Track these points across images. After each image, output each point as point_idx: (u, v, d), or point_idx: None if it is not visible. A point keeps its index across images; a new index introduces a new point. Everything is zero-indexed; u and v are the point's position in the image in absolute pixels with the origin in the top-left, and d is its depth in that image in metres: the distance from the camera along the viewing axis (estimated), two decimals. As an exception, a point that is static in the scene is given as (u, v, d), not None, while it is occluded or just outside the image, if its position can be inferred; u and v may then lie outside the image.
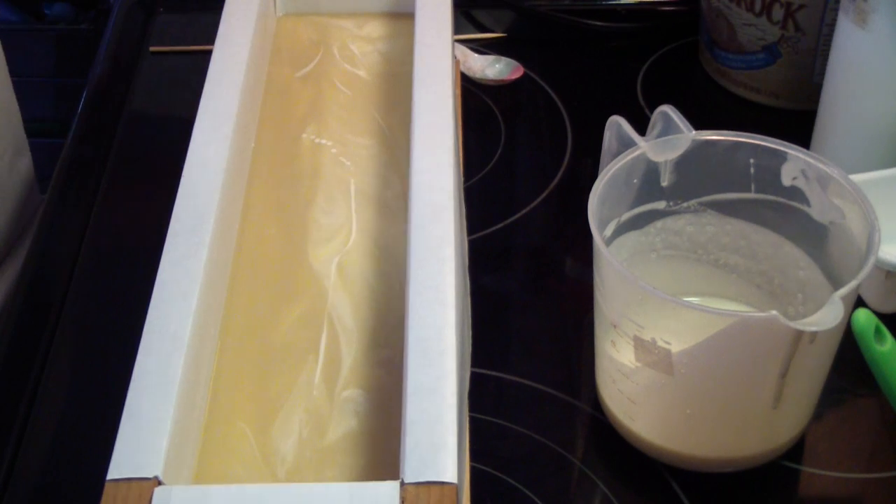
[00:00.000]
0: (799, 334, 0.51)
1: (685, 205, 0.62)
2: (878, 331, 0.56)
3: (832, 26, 0.75)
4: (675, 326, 0.54)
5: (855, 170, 0.63)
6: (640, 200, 0.61)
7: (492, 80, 0.88)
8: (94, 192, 0.79)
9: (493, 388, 0.65)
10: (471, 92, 0.87)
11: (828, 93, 0.74)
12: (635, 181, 0.60)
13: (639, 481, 0.61)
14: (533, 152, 0.84)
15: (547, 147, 0.84)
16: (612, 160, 0.58)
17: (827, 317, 0.50)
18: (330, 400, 0.52)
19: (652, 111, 0.60)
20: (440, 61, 0.63)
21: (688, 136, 0.59)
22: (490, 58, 0.89)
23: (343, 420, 0.51)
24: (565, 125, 0.85)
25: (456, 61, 0.79)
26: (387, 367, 0.53)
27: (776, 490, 0.61)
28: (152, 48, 0.93)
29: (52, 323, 0.69)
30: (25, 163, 0.90)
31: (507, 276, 0.75)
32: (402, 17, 0.73)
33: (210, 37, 0.66)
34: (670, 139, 0.59)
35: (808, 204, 0.59)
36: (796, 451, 0.61)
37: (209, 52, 0.64)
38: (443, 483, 0.43)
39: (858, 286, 0.52)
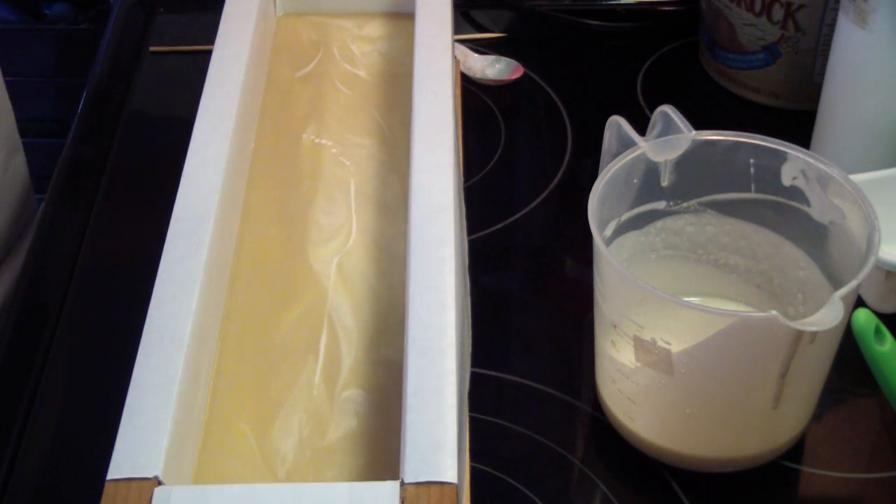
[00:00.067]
0: (799, 334, 0.51)
1: (685, 205, 0.62)
2: (878, 331, 0.56)
3: (832, 26, 0.75)
4: (675, 326, 0.54)
5: (855, 170, 0.63)
6: (640, 200, 0.61)
7: (492, 80, 0.88)
8: (94, 192, 0.79)
9: (493, 388, 0.65)
10: (471, 92, 0.87)
11: (828, 93, 0.74)
12: (635, 181, 0.60)
13: (639, 481, 0.61)
14: (533, 152, 0.84)
15: (547, 147, 0.84)
16: (612, 160, 0.58)
17: (827, 317, 0.50)
18: (330, 400, 0.52)
19: (652, 111, 0.60)
20: (440, 61, 0.63)
21: (688, 136, 0.59)
22: (490, 58, 0.89)
23: (343, 420, 0.51)
24: (565, 125, 0.85)
25: (456, 61, 0.79)
26: (387, 367, 0.53)
27: (776, 490, 0.61)
28: (152, 48, 0.93)
29: (52, 323, 0.69)
30: (20, 162, 0.90)
31: (507, 276, 0.75)
32: (402, 17, 0.73)
33: (210, 37, 0.66)
34: (670, 139, 0.59)
35: (808, 204, 0.59)
36: (796, 451, 0.61)
37: (209, 52, 0.64)
38: (443, 483, 0.43)
39: (858, 286, 0.52)
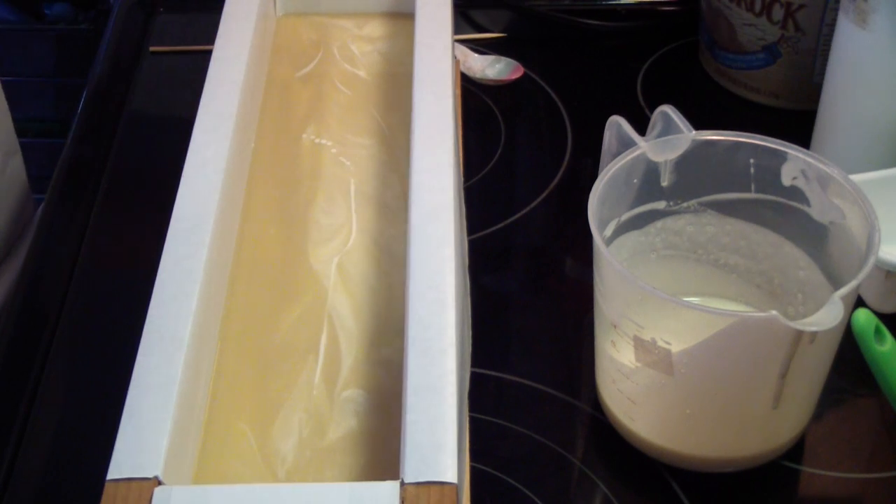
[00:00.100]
0: (799, 334, 0.51)
1: (685, 205, 0.62)
2: (878, 331, 0.56)
3: (832, 26, 0.75)
4: (675, 326, 0.54)
5: (855, 170, 0.63)
6: (640, 200, 0.61)
7: (492, 80, 0.88)
8: (94, 193, 0.79)
9: (493, 388, 0.65)
10: (471, 92, 0.87)
11: (828, 93, 0.74)
12: (635, 181, 0.60)
13: (639, 481, 0.61)
14: (533, 152, 0.84)
15: (547, 147, 0.84)
16: (612, 160, 0.58)
17: (827, 317, 0.50)
18: (330, 400, 0.52)
19: (652, 111, 0.60)
20: (440, 61, 0.63)
21: (688, 136, 0.59)
22: (490, 58, 0.89)
23: (343, 420, 0.51)
24: (565, 125, 0.85)
25: (456, 61, 0.79)
26: (387, 367, 0.53)
27: (776, 490, 0.61)
28: (152, 48, 0.93)
29: (52, 323, 0.69)
30: (17, 164, 0.90)
31: (507, 276, 0.75)
32: (402, 17, 0.73)
33: (210, 37, 0.66)
34: (670, 139, 0.59)
35: (808, 204, 0.59)
36: (796, 451, 0.61)
37: (209, 52, 0.64)
38: (443, 483, 0.43)
39: (858, 286, 0.52)
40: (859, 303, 0.65)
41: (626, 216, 0.61)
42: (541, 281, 0.75)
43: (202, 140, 0.58)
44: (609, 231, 0.60)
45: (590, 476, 0.61)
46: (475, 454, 0.58)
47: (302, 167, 0.64)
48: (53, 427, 0.64)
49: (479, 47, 0.91)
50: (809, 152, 0.59)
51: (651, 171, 0.60)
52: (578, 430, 0.64)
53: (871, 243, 0.54)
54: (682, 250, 0.64)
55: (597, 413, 0.63)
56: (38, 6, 1.46)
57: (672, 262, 0.64)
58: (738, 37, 0.83)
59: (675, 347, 0.54)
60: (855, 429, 0.64)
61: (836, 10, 0.74)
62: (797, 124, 0.77)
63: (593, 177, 0.58)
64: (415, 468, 0.43)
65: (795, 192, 0.60)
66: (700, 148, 0.60)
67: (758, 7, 0.81)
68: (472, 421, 0.59)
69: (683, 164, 0.60)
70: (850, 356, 0.58)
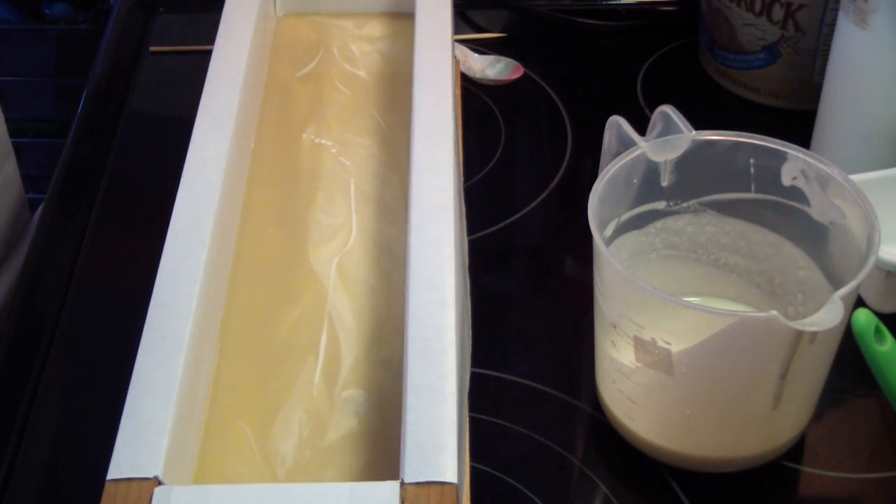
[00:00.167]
0: (799, 334, 0.51)
1: (685, 205, 0.62)
2: (878, 331, 0.56)
3: (832, 26, 0.75)
4: (675, 326, 0.54)
5: (855, 170, 0.63)
6: (640, 200, 0.61)
7: (492, 80, 0.88)
8: (94, 193, 0.79)
9: (493, 388, 0.65)
10: (471, 92, 0.87)
11: (828, 93, 0.74)
12: (635, 181, 0.60)
13: (639, 481, 0.61)
14: (533, 152, 0.84)
15: (547, 147, 0.84)
16: (612, 160, 0.58)
17: (827, 317, 0.50)
18: (330, 400, 0.52)
19: (652, 111, 0.60)
20: (440, 61, 0.63)
21: (688, 136, 0.59)
22: (490, 58, 0.89)
23: (343, 420, 0.51)
24: (565, 125, 0.85)
25: (456, 61, 0.79)
26: (387, 367, 0.53)
27: (776, 490, 0.61)
28: (152, 48, 0.93)
29: (52, 323, 0.69)
30: (11, 168, 0.90)
31: (507, 276, 0.75)
32: (402, 17, 0.73)
33: (210, 37, 0.66)
34: (670, 139, 0.59)
35: (808, 204, 0.59)
36: (796, 451, 0.61)
37: (209, 52, 0.64)
38: (443, 483, 0.43)
39: (858, 286, 0.52)
40: (859, 303, 0.65)
41: (626, 216, 0.61)
42: (541, 281, 0.75)
43: (202, 140, 0.58)
44: (609, 231, 0.60)
45: (590, 476, 0.61)
46: (475, 454, 0.58)
47: (302, 167, 0.64)
48: (53, 427, 0.64)
49: (479, 47, 0.91)
50: (809, 152, 0.59)
51: (651, 171, 0.60)
52: (578, 430, 0.64)
53: (871, 243, 0.54)
54: (682, 250, 0.64)
55: (597, 413, 0.63)
56: (38, 6, 1.46)
57: (672, 262, 0.64)
58: (738, 37, 0.83)
59: (675, 347, 0.54)
60: (855, 429, 0.64)
61: (836, 10, 0.74)
62: (797, 124, 0.77)
63: (593, 177, 0.58)
64: (415, 468, 0.43)
65: (795, 192, 0.60)
66: (700, 148, 0.60)
67: (758, 7, 0.81)
68: (472, 421, 0.59)
69: (683, 164, 0.60)
70: (850, 356, 0.58)
